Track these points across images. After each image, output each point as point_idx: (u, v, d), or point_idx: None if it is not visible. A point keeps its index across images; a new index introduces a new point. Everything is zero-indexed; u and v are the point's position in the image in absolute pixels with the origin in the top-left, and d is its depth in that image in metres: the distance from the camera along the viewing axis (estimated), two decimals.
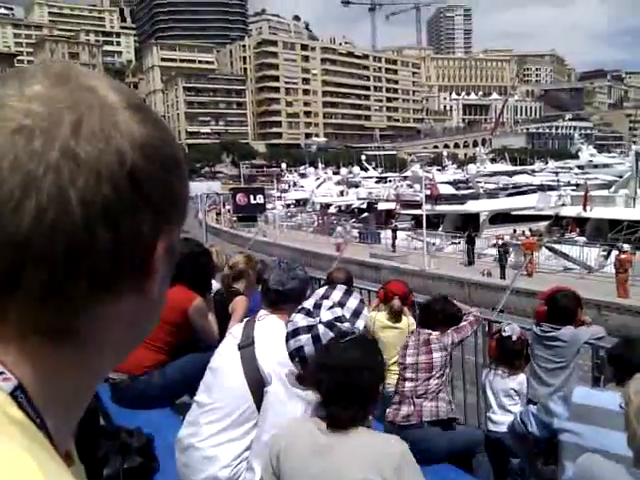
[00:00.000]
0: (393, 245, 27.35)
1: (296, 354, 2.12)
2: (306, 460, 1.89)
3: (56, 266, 0.42)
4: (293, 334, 2.13)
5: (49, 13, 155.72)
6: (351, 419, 1.86)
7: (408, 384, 3.81)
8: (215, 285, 4.42)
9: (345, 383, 1.86)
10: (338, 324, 2.09)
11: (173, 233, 0.49)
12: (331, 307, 2.13)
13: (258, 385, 2.32)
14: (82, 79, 0.45)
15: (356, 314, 2.16)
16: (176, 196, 0.48)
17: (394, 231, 28.01)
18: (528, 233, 24.05)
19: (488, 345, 4.62)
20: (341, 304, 2.16)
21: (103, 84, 0.46)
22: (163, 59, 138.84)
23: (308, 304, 2.20)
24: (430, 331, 3.91)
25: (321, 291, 2.25)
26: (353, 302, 2.18)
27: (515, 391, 4.14)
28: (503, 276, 20.24)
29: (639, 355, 2.73)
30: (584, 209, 25.10)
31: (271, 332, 2.41)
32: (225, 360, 2.51)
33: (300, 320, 2.14)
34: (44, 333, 0.44)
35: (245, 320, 2.75)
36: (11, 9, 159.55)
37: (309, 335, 2.10)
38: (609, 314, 15.32)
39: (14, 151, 0.41)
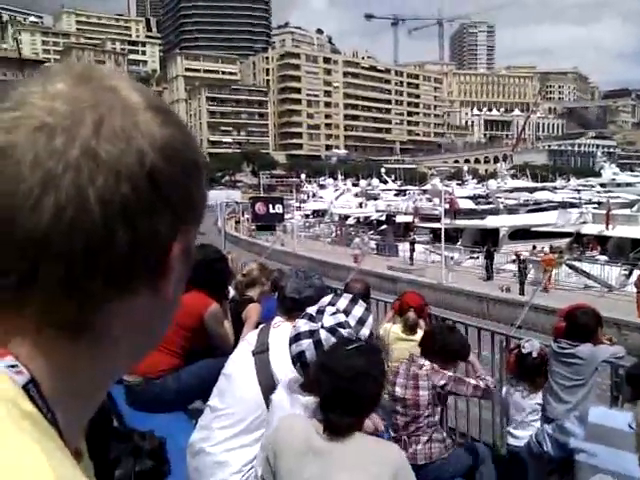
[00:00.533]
0: (411, 258, 27.20)
1: (297, 359, 2.11)
2: (300, 462, 1.87)
3: (74, 263, 0.42)
4: (295, 339, 2.13)
5: (77, 22, 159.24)
6: (348, 426, 1.84)
7: (400, 418, 3.61)
8: (233, 293, 4.44)
9: (346, 390, 1.83)
10: (341, 330, 2.08)
11: (190, 235, 0.49)
12: (334, 313, 2.13)
13: (272, 392, 2.29)
14: (105, 79, 0.46)
15: (361, 322, 2.14)
16: (194, 200, 0.49)
17: (412, 244, 27.88)
18: (547, 249, 23.76)
19: (507, 361, 4.56)
20: (346, 312, 2.15)
21: (126, 85, 0.46)
22: (187, 69, 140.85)
23: (311, 310, 2.20)
24: (423, 362, 3.62)
25: (327, 299, 2.25)
26: (358, 310, 2.17)
27: (538, 407, 4.09)
28: (522, 292, 20.01)
29: None
30: (606, 227, 24.78)
31: (286, 340, 2.41)
32: (239, 366, 2.51)
33: (302, 325, 2.14)
34: (60, 327, 0.44)
35: (260, 327, 2.75)
36: (40, 17, 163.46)
37: (311, 340, 2.09)
38: (629, 334, 15.04)
39: (35, 149, 0.41)
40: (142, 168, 0.43)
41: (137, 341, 0.50)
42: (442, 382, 3.54)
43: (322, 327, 2.09)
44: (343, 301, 2.20)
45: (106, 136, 0.42)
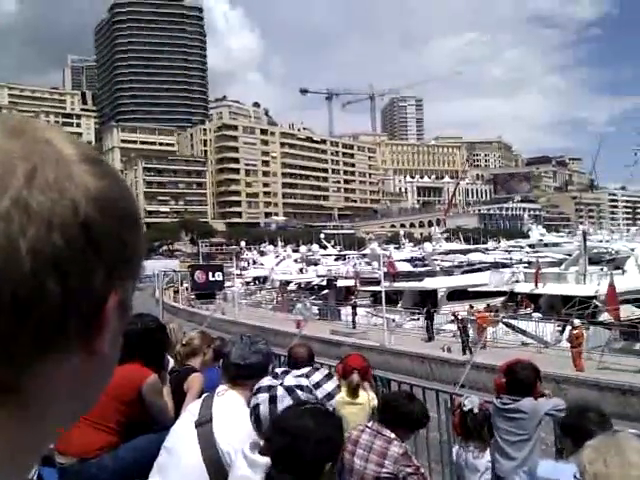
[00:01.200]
0: (353, 322, 27.26)
1: (252, 412, 2.06)
2: None
3: (1, 317, 0.40)
4: (254, 392, 2.09)
5: (9, 95, 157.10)
6: None
7: None
8: (171, 363, 4.29)
9: (290, 449, 1.75)
10: (298, 391, 2.05)
11: (126, 289, 0.47)
12: (299, 376, 2.10)
13: (216, 465, 2.19)
14: (38, 132, 0.45)
15: (329, 397, 2.11)
16: (130, 251, 0.47)
17: (354, 308, 28.01)
18: (481, 308, 24.45)
19: (452, 422, 4.56)
20: (317, 384, 2.12)
21: (60, 137, 0.45)
22: (123, 140, 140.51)
23: (279, 369, 2.18)
24: (390, 437, 3.34)
25: (304, 370, 2.22)
26: (330, 385, 2.14)
27: (490, 465, 4.08)
28: (465, 351, 20.26)
29: (591, 422, 2.74)
30: (536, 285, 25.86)
31: (231, 409, 2.32)
32: (181, 438, 2.38)
33: (265, 381, 2.11)
34: None
35: (203, 396, 2.64)
36: None
37: (267, 395, 2.05)
38: (567, 387, 15.44)
39: None
40: (75, 219, 0.42)
41: (70, 403, 0.47)
42: (410, 470, 3.24)
43: (281, 384, 2.06)
44: (318, 375, 2.17)
45: (38, 187, 0.41)
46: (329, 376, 2.20)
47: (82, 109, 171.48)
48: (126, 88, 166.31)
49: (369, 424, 3.57)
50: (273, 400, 2.03)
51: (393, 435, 3.35)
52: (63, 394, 0.45)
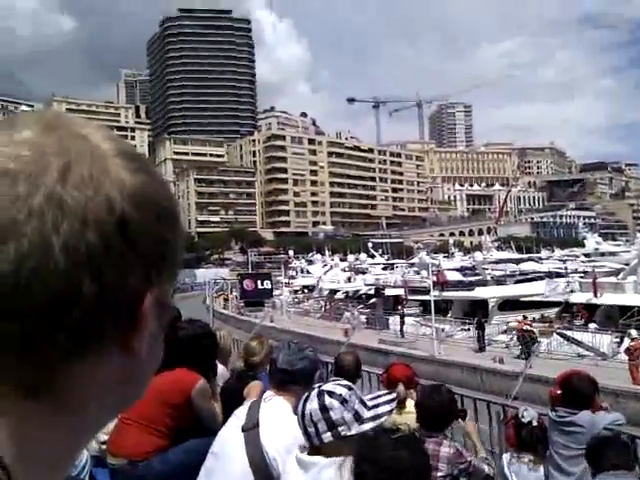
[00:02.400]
0: (401, 331, 26.98)
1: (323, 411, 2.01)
2: None
3: (35, 317, 0.39)
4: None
5: (67, 109, 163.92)
6: None
7: None
8: (220, 369, 4.33)
9: None
10: (327, 396, 2.01)
11: (164, 287, 0.47)
12: (342, 385, 2.07)
13: (263, 470, 2.21)
14: (73, 127, 0.44)
15: (374, 418, 2.05)
16: (168, 248, 0.46)
17: (402, 317, 27.72)
18: (530, 319, 23.69)
19: (505, 433, 4.42)
20: (369, 405, 2.07)
21: (96, 132, 0.45)
22: (175, 152, 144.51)
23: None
24: (439, 438, 3.30)
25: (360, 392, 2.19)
26: (383, 409, 2.10)
27: (544, 478, 3.94)
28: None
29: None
30: (594, 295, 24.94)
31: (278, 414, 2.32)
32: (228, 443, 2.40)
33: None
34: (19, 389, 0.41)
35: (250, 401, 2.66)
36: (32, 106, 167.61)
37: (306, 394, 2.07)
38: (626, 401, 14.78)
39: None
40: (111, 216, 0.41)
41: (107, 404, 0.47)
42: (462, 467, 3.25)
43: (319, 386, 2.06)
44: (379, 399, 2.15)
45: (72, 183, 0.41)
46: (390, 402, 2.14)
47: (136, 122, 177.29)
48: (177, 101, 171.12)
49: (417, 431, 3.43)
50: (305, 399, 2.04)
51: (441, 436, 3.32)
52: (101, 393, 0.45)
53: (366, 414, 2.01)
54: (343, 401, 1.99)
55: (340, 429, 1.96)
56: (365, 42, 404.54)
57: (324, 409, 1.97)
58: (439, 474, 3.21)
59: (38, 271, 0.39)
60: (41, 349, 0.40)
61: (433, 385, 3.76)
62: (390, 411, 2.11)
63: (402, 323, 27.27)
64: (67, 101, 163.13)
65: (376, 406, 2.06)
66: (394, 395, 2.21)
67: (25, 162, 0.40)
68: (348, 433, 1.96)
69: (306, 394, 2.06)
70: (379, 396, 2.14)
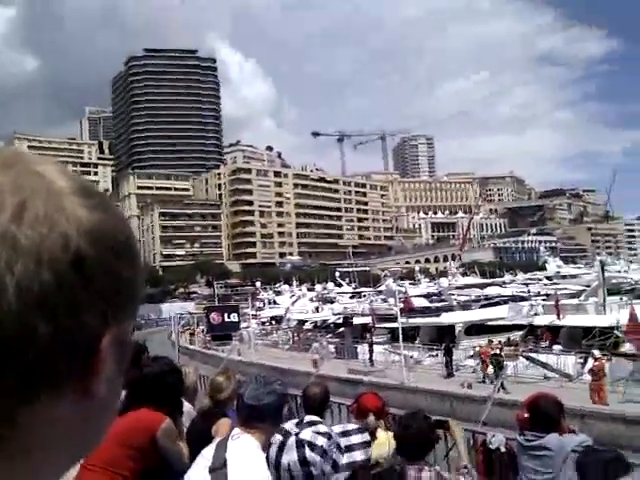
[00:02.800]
0: (370, 359, 26.89)
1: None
2: None
3: None
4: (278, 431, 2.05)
5: (28, 146, 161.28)
6: None
7: None
8: (187, 407, 4.23)
9: None
10: (307, 449, 1.96)
11: (123, 325, 0.45)
12: (320, 433, 2.02)
13: None
14: (30, 164, 0.43)
15: (349, 465, 2.06)
16: (126, 284, 0.45)
17: (370, 345, 27.67)
18: (496, 342, 23.94)
19: (475, 460, 4.40)
20: (347, 448, 2.07)
21: (53, 169, 0.44)
22: (139, 187, 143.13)
23: (308, 418, 2.16)
24: (420, 466, 3.19)
25: (339, 428, 2.17)
26: (359, 455, 2.09)
27: None
28: (503, 387, 19.52)
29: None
30: (557, 317, 25.43)
31: (245, 454, 2.25)
32: None
33: (289, 424, 2.07)
34: None
35: (217, 440, 2.59)
36: None
37: (280, 438, 2.03)
38: (593, 422, 14.96)
39: None
40: (66, 253, 0.40)
41: (65, 449, 0.44)
42: None
43: (296, 435, 1.99)
44: (354, 438, 2.13)
45: (27, 221, 0.39)
46: (365, 444, 2.12)
47: (99, 158, 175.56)
48: (142, 137, 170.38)
49: (395, 461, 3.41)
50: (282, 447, 1.99)
51: (422, 462, 3.22)
52: (57, 438, 0.43)
53: (342, 460, 1.97)
54: (323, 453, 1.94)
55: None
56: (329, 79, 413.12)
57: (304, 463, 1.93)
58: None
59: None
60: None
61: (410, 412, 3.64)
62: (367, 459, 2.06)
63: (371, 351, 27.21)
64: (28, 138, 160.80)
65: (350, 448, 2.02)
66: (367, 437, 2.16)
67: None
68: None
69: (280, 439, 2.00)
70: (350, 432, 2.11)
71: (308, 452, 1.93)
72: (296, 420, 2.14)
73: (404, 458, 3.25)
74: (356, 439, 2.11)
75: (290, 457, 1.93)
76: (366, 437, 2.19)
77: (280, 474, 1.94)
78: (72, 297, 0.40)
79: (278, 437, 2.01)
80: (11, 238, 0.38)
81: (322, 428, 2.06)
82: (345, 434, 2.10)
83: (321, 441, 1.95)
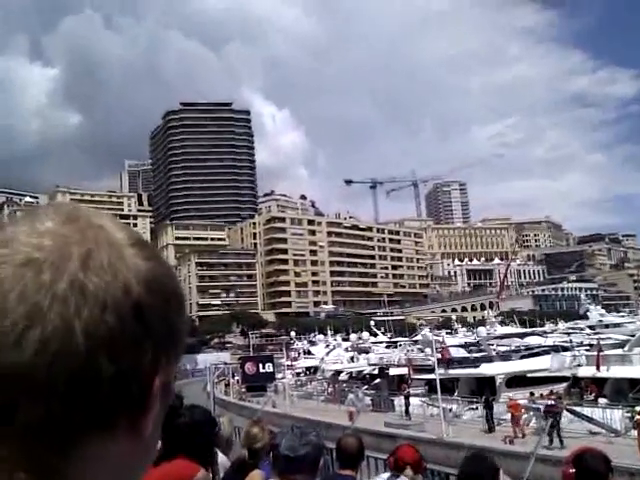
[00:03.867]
0: (407, 412, 26.28)
1: None
2: None
3: (54, 399, 0.41)
4: None
5: (71, 199, 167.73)
6: None
7: None
8: (221, 458, 4.30)
9: None
10: None
11: (170, 369, 0.49)
12: None
13: None
14: (91, 218, 0.48)
15: None
16: (175, 330, 0.49)
17: (407, 398, 27.08)
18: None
19: None
20: None
21: (110, 222, 0.48)
22: (177, 237, 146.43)
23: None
24: None
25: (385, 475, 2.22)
26: None
27: None
28: (561, 443, 18.74)
29: None
30: (597, 368, 24.55)
31: None
32: None
33: None
34: (34, 471, 0.41)
35: None
36: (36, 197, 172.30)
37: None
38: None
39: (21, 283, 0.42)
40: (128, 300, 0.44)
41: None
42: None
43: None
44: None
45: (93, 269, 0.43)
46: None
47: (138, 210, 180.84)
48: (179, 188, 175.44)
49: None
50: None
51: None
52: (105, 475, 0.45)
53: None
54: None
55: None
56: (361, 127, 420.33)
57: None
58: None
59: (60, 354, 0.41)
60: (58, 430, 0.41)
61: (474, 454, 3.79)
62: None
63: (407, 404, 26.61)
64: (70, 192, 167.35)
65: None
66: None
67: (49, 251, 0.44)
68: None
69: None
70: None
71: None
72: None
73: None
74: None
75: None
76: None
77: None
78: (132, 340, 0.44)
79: None
80: (79, 285, 0.43)
81: None
82: None
83: None
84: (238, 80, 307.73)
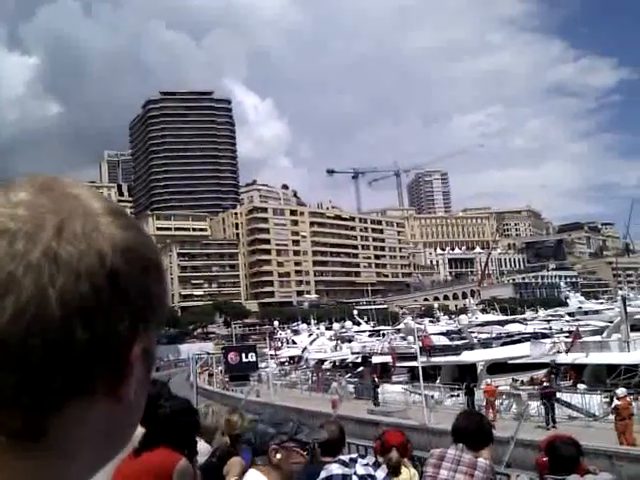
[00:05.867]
0: (375, 400, 26.34)
1: None
2: None
3: (31, 365, 0.42)
4: None
5: None
6: None
7: None
8: (202, 447, 4.29)
9: None
10: None
11: (150, 336, 0.49)
12: (366, 464, 2.13)
13: None
14: (66, 188, 0.48)
15: None
16: (153, 298, 0.49)
17: (375, 387, 27.12)
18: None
19: None
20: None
21: (86, 193, 0.48)
22: (158, 228, 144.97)
23: (344, 457, 2.19)
24: (476, 454, 3.65)
25: (369, 459, 2.27)
26: (380, 474, 2.19)
27: None
28: (553, 423, 19.18)
29: None
30: (566, 352, 25.13)
31: None
32: None
33: (335, 469, 2.13)
34: (11, 436, 0.43)
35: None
36: None
37: None
38: (623, 464, 14.53)
39: None
40: (102, 268, 0.44)
41: (97, 450, 0.48)
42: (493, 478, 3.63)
43: (355, 474, 2.08)
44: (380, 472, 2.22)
45: (67, 238, 0.44)
46: (378, 464, 2.22)
47: (118, 200, 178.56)
48: (160, 178, 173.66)
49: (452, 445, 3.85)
50: None
51: (481, 457, 3.67)
52: (88, 440, 0.46)
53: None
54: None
55: None
56: (344, 117, 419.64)
57: None
58: None
59: (35, 321, 0.42)
60: (36, 393, 0.42)
61: (467, 410, 4.33)
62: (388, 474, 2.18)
63: (375, 394, 26.62)
64: None
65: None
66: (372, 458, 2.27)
67: (23, 221, 0.44)
68: None
69: (329, 475, 2.11)
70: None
71: None
72: (341, 459, 2.21)
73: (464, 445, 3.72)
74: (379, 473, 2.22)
75: None
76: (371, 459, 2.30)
77: None
78: (108, 308, 0.44)
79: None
80: (53, 254, 0.43)
81: (364, 461, 2.17)
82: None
83: (372, 471, 2.12)
84: (221, 71, 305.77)
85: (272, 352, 46.69)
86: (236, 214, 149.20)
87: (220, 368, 40.94)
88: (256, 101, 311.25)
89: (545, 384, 20.95)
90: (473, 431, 3.78)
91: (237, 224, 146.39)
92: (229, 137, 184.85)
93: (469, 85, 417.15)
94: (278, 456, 2.38)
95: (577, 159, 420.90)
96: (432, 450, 3.95)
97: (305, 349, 46.72)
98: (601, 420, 19.15)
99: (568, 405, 20.62)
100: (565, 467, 3.89)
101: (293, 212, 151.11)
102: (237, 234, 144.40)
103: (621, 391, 17.75)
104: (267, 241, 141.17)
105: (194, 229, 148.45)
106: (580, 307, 57.84)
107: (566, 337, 34.39)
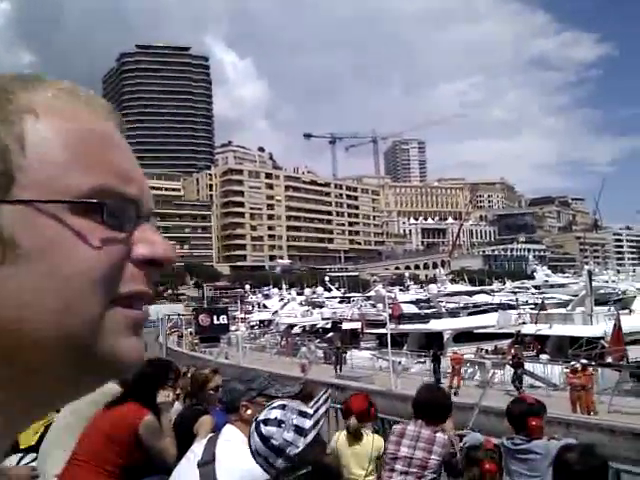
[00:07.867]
0: (339, 366, 26.71)
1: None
2: None
3: None
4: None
5: None
6: None
7: (398, 477, 3.75)
8: (177, 405, 4.27)
9: None
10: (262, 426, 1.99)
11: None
12: (304, 414, 2.03)
13: None
14: None
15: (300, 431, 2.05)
16: None
17: (337, 355, 27.37)
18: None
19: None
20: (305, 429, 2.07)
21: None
22: None
23: (290, 403, 2.11)
24: (436, 428, 3.78)
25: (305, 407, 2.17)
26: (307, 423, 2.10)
27: None
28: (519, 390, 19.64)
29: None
30: (535, 323, 25.82)
31: (233, 447, 2.28)
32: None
33: (274, 412, 2.06)
34: None
35: (209, 436, 2.62)
36: None
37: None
38: (579, 432, 15.07)
39: None
40: None
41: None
42: (454, 452, 3.74)
43: (291, 421, 1.99)
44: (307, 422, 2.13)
45: None
46: (325, 401, 2.13)
47: None
48: (133, 135, 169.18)
49: (412, 421, 3.94)
50: (249, 436, 2.03)
51: (440, 431, 3.80)
52: None
53: (307, 424, 1.98)
54: (279, 423, 1.95)
55: (287, 451, 1.92)
56: (324, 81, 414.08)
57: (264, 439, 1.94)
58: (432, 457, 3.70)
59: None
60: None
61: (427, 384, 4.48)
62: (326, 410, 2.09)
63: (339, 361, 26.84)
64: None
65: (316, 410, 2.02)
66: (328, 392, 2.19)
67: None
68: (296, 450, 1.92)
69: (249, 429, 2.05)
70: (317, 401, 2.10)
71: (263, 428, 1.95)
72: (283, 404, 2.12)
73: (424, 421, 3.81)
74: (320, 401, 2.09)
75: (254, 440, 1.95)
76: (326, 394, 2.20)
77: (257, 460, 1.96)
78: None
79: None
80: None
81: (276, 403, 2.08)
82: (313, 404, 2.10)
83: (274, 413, 1.96)
84: (202, 27, 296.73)
85: (243, 315, 46.85)
86: (210, 175, 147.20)
87: (190, 330, 40.96)
88: (236, 60, 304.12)
89: (516, 355, 21.53)
90: (434, 405, 3.87)
91: (211, 185, 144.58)
92: (205, 95, 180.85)
93: (452, 53, 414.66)
94: (249, 412, 2.35)
95: (553, 133, 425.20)
96: (393, 427, 4.09)
97: (276, 313, 46.93)
98: (561, 390, 19.79)
99: (531, 374, 21.22)
100: (519, 426, 4.01)
101: (268, 175, 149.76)
102: (211, 195, 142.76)
103: (581, 363, 18.32)
104: (241, 204, 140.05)
105: (166, 189, 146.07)
106: (546, 280, 59.31)
107: (531, 309, 35.31)
